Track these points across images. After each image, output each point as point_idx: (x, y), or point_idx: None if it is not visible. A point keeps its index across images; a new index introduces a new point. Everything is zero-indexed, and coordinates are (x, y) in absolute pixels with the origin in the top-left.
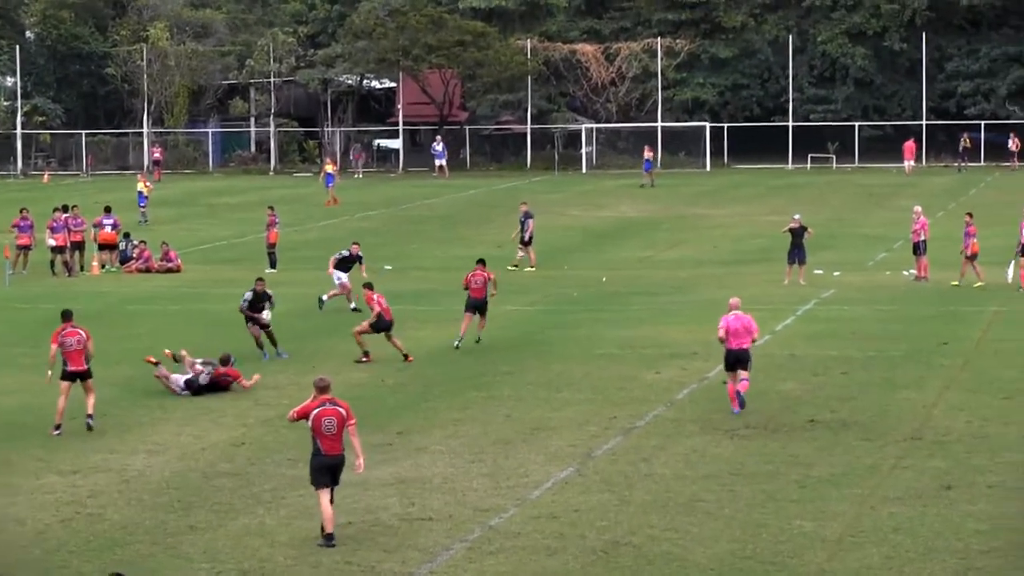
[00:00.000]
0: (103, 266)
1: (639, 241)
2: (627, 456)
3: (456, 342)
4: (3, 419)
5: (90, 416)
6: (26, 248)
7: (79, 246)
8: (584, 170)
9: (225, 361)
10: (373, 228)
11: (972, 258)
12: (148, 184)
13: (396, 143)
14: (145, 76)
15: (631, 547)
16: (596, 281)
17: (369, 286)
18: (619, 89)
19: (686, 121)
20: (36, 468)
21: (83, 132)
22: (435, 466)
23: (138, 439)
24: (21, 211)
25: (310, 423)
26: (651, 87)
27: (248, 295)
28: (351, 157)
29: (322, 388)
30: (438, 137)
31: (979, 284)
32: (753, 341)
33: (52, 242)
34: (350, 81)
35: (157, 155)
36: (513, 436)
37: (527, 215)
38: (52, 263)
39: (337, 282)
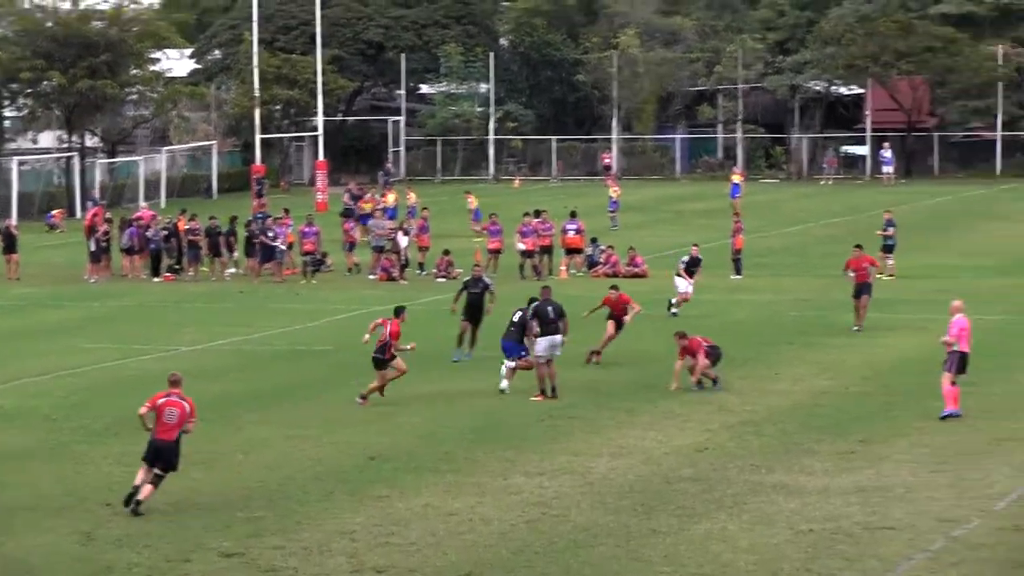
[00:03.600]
0: (569, 270)
1: None
2: None
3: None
4: (472, 422)
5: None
6: (496, 252)
7: (548, 250)
8: None
9: (396, 311)
10: (836, 235)
11: None
12: (617, 188)
13: (863, 149)
14: (615, 83)
15: None
16: None
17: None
18: None
19: None
20: (503, 469)
21: (553, 138)
22: (897, 475)
23: (603, 442)
24: (491, 216)
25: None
26: None
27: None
28: (824, 164)
29: (173, 382)
30: (886, 144)
31: None
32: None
33: (521, 246)
34: (818, 87)
35: (607, 160)
36: (978, 447)
37: (889, 223)
38: (521, 267)
39: (680, 290)
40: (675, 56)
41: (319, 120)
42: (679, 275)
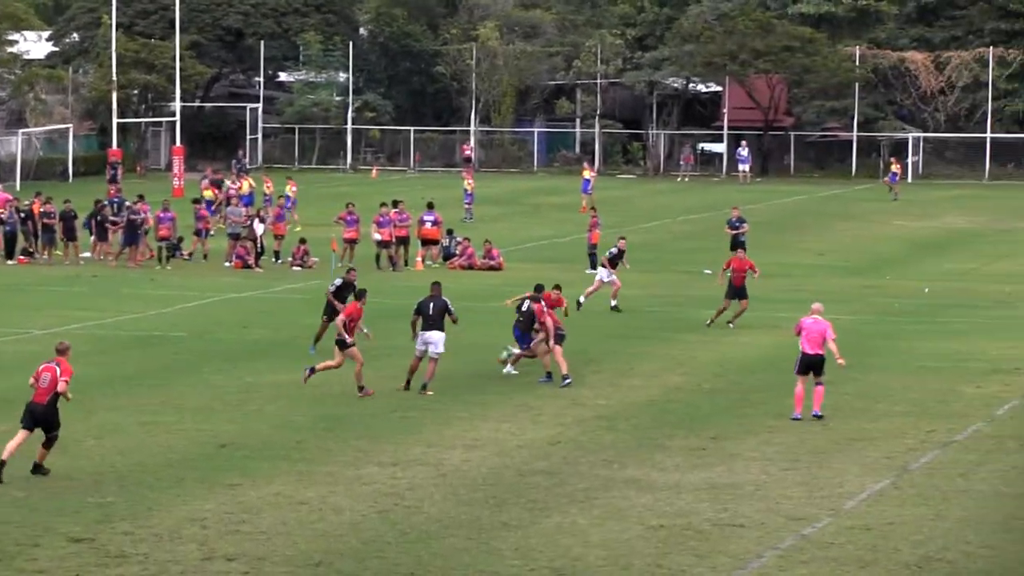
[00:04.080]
0: (425, 261)
1: (964, 253)
2: (944, 470)
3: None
4: (326, 411)
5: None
6: (352, 242)
7: (404, 241)
8: (910, 179)
9: (358, 295)
10: (694, 232)
11: None
12: (471, 181)
13: (720, 147)
14: (474, 75)
15: (945, 563)
16: (918, 292)
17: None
18: (948, 99)
19: (1017, 132)
20: (356, 459)
21: (411, 129)
22: (748, 472)
23: (456, 434)
24: (347, 205)
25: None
26: (981, 98)
27: (338, 282)
28: (680, 160)
29: (60, 350)
30: (743, 142)
31: None
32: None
33: (378, 236)
34: (676, 84)
35: (468, 152)
36: (829, 446)
37: (740, 219)
38: (377, 257)
39: (599, 279)
40: (534, 50)
41: (176, 105)
42: (603, 265)
